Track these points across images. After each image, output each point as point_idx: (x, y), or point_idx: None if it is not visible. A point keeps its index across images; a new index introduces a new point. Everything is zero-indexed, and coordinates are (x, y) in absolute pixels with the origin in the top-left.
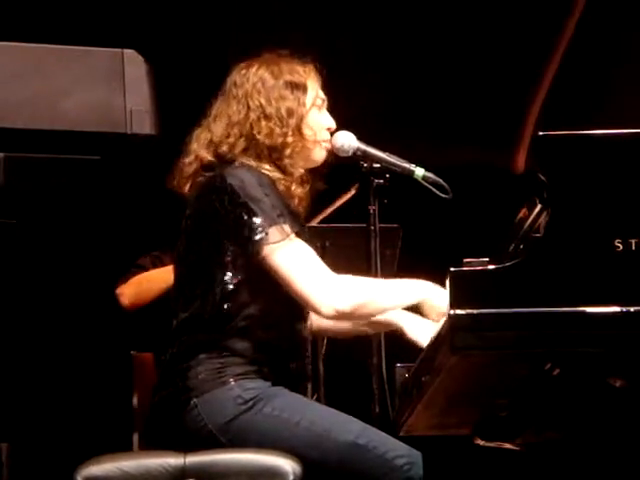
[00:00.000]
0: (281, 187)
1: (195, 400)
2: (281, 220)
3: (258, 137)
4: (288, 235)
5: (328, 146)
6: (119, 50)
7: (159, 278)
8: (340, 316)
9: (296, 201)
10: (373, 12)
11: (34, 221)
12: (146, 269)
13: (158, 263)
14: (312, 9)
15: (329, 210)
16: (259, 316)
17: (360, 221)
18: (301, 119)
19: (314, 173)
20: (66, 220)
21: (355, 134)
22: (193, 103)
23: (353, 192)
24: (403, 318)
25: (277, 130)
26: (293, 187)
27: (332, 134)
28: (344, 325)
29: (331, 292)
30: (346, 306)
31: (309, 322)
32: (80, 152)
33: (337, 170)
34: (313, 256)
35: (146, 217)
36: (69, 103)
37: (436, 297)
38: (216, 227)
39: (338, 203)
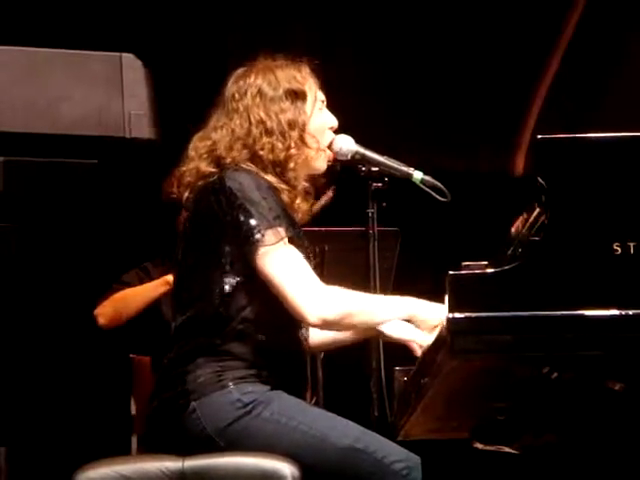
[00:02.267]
0: (285, 198)
1: (194, 404)
2: (277, 223)
3: (261, 153)
4: (282, 238)
5: (329, 155)
6: (117, 54)
7: (135, 297)
8: (325, 324)
9: (299, 215)
10: (374, 14)
11: (32, 224)
12: (129, 285)
13: (145, 278)
14: (312, 11)
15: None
16: (256, 318)
17: (359, 224)
18: (303, 129)
19: (316, 180)
20: (64, 223)
21: (354, 138)
22: (192, 107)
23: (330, 194)
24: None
25: (279, 145)
26: (298, 201)
27: (335, 132)
28: (338, 336)
29: (318, 300)
30: (332, 315)
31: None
32: (78, 156)
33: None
34: (303, 263)
35: (144, 221)
36: (67, 107)
37: (425, 312)
38: (213, 229)
39: (316, 207)
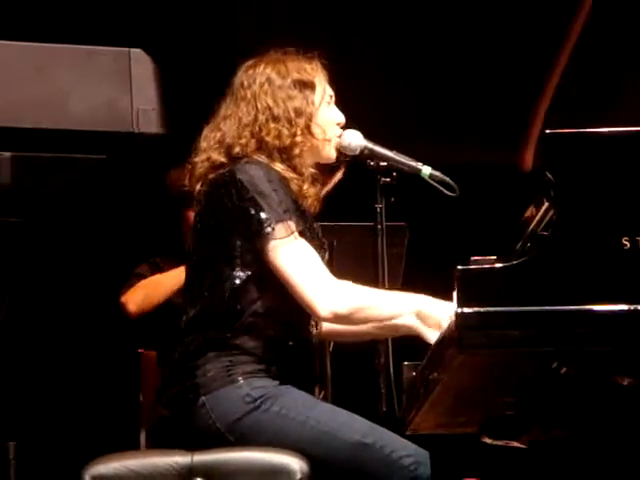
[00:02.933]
0: (294, 187)
1: (203, 398)
2: (287, 216)
3: (267, 139)
4: (293, 232)
5: (338, 142)
6: (126, 49)
7: (164, 283)
8: (336, 318)
9: (309, 201)
10: (382, 12)
11: (41, 220)
12: (144, 277)
13: (157, 271)
14: (323, 7)
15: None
16: (267, 312)
17: (367, 219)
18: (310, 118)
19: (328, 170)
20: (73, 219)
21: (362, 132)
22: (200, 102)
23: (339, 175)
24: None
25: (285, 131)
26: (305, 187)
27: (342, 129)
28: (354, 329)
29: (329, 294)
30: (343, 309)
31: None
32: (87, 151)
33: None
34: (314, 257)
35: (153, 216)
36: (76, 102)
37: (432, 308)
38: (224, 222)
39: (328, 187)
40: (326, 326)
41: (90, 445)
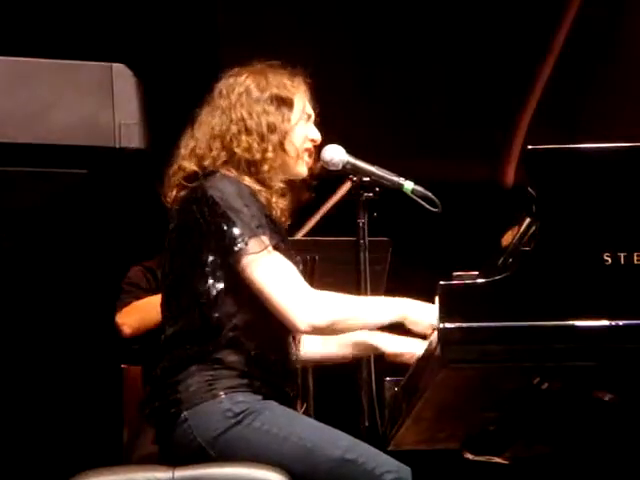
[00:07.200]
0: (263, 199)
1: (185, 413)
2: (260, 231)
3: (237, 150)
4: (267, 247)
5: (309, 161)
6: (108, 64)
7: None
8: (315, 331)
9: (278, 212)
10: (363, 26)
11: (20, 236)
12: (139, 286)
13: (150, 277)
14: (305, 21)
15: (326, 208)
16: (246, 326)
17: (349, 234)
18: (284, 136)
19: (300, 184)
20: (53, 233)
21: (344, 148)
22: (182, 116)
23: (348, 186)
24: (377, 337)
25: (256, 145)
26: (274, 199)
27: (318, 148)
28: (328, 351)
29: (307, 306)
30: (322, 321)
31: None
32: (68, 166)
33: (327, 181)
34: (291, 270)
35: (135, 231)
36: (57, 117)
37: (417, 313)
38: (197, 238)
39: (334, 199)
40: (305, 352)
41: (72, 459)
